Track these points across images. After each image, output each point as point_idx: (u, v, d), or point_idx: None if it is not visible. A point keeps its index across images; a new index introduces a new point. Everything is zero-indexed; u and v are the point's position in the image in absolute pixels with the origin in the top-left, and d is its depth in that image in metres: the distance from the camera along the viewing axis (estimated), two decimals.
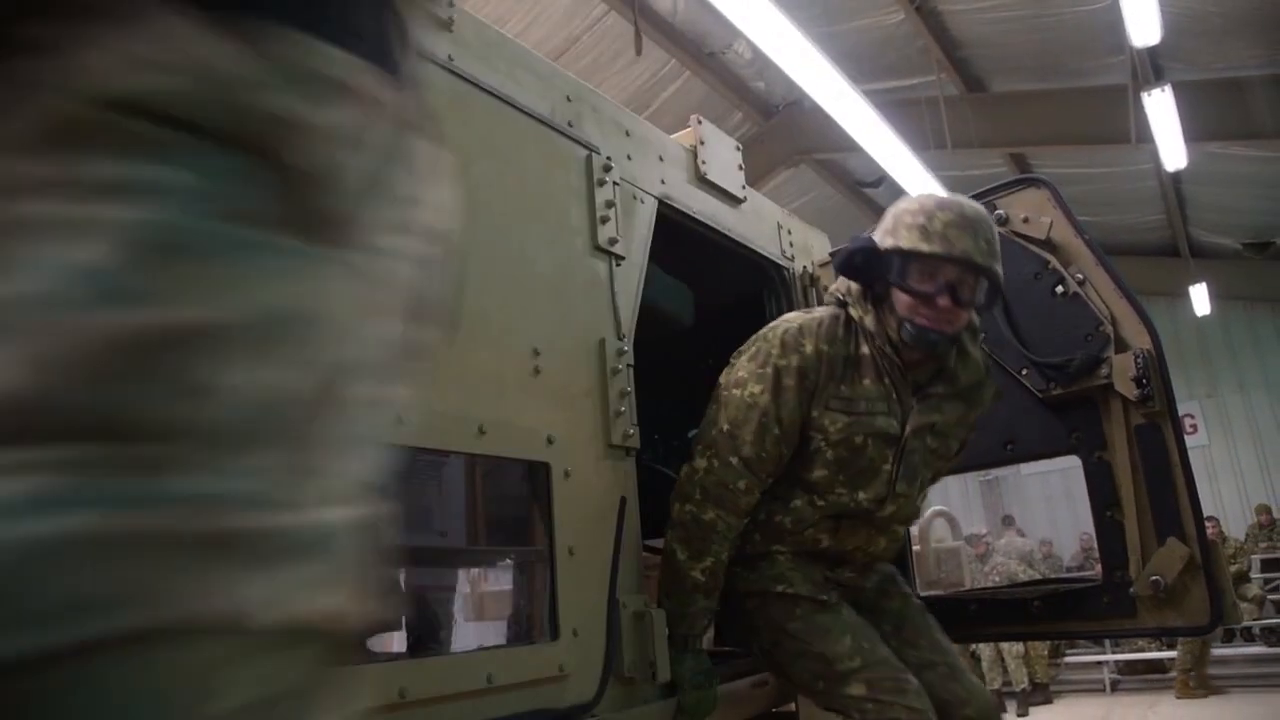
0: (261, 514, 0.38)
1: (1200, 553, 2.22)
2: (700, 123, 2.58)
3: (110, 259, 0.36)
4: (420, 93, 0.53)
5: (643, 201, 2.23)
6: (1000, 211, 2.67)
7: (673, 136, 2.50)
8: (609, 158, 2.12)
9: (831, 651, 1.92)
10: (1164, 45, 7.52)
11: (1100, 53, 8.57)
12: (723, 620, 2.12)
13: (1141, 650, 9.19)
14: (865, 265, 1.98)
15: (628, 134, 2.25)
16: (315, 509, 0.40)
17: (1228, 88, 8.71)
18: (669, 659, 1.92)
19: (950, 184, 8.62)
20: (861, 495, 1.98)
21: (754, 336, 2.10)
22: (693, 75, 9.18)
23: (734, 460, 1.94)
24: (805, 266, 2.89)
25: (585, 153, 2.06)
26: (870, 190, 11.35)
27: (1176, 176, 10.47)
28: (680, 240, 2.41)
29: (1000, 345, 2.45)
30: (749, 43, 6.84)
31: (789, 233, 2.88)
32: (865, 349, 2.00)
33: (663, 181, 2.33)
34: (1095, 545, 2.54)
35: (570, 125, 2.05)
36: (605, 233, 2.04)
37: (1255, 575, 10.27)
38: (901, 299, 1.94)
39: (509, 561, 2.28)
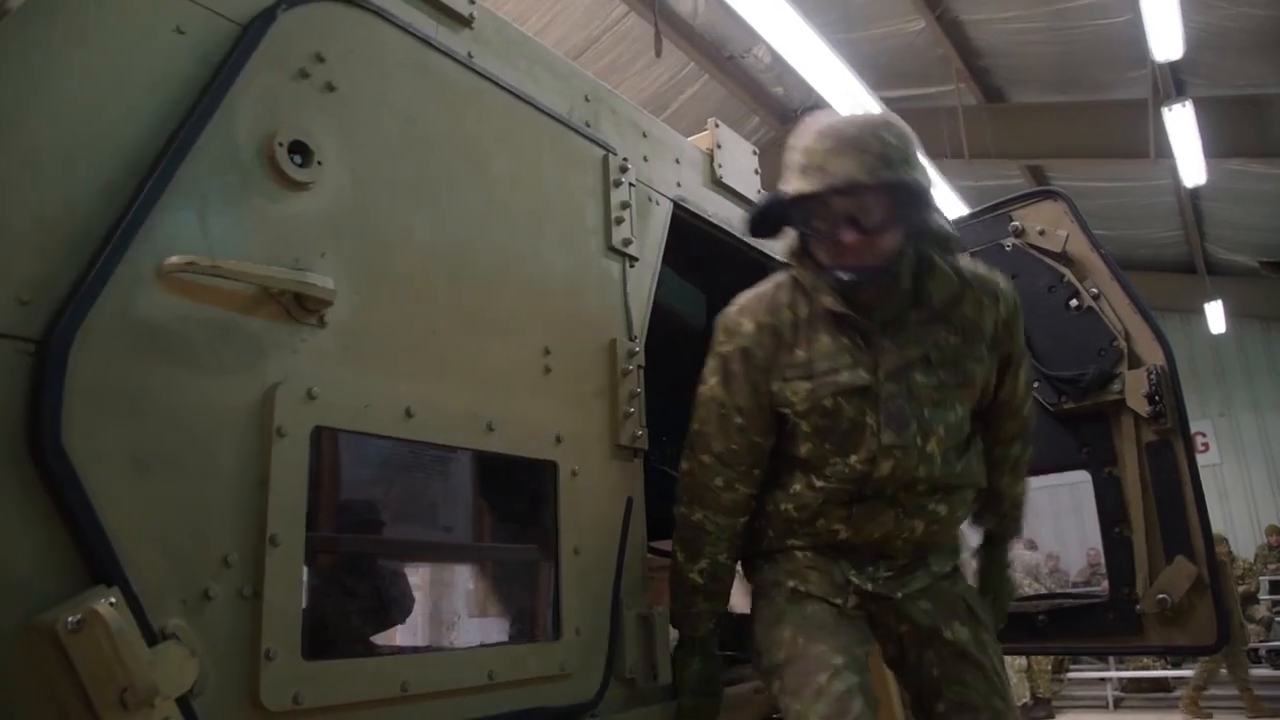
0: None
1: (1208, 572, 2.21)
2: (718, 126, 2.58)
3: None
4: None
5: (658, 203, 2.23)
6: (1016, 223, 2.66)
7: (690, 139, 2.50)
8: (625, 159, 2.12)
9: (764, 641, 1.80)
10: (1185, 60, 7.50)
11: (1121, 66, 8.54)
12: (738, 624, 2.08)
13: (1146, 668, 9.14)
14: (781, 220, 1.85)
15: (645, 135, 2.25)
16: None
17: (1248, 105, 8.68)
18: (675, 660, 1.91)
19: (966, 194, 8.61)
20: (853, 458, 1.81)
21: None
22: (711, 78, 9.19)
23: (706, 458, 1.89)
24: None
25: (602, 153, 2.05)
26: None
27: (1195, 193, 10.42)
28: (694, 242, 2.40)
29: None
30: (768, 47, 6.84)
31: None
32: (820, 306, 1.85)
33: (678, 184, 2.33)
34: (1103, 561, 2.53)
35: (588, 125, 2.05)
36: (619, 234, 2.04)
37: (1264, 596, 10.20)
38: (817, 246, 1.81)
39: (513, 559, 2.28)
